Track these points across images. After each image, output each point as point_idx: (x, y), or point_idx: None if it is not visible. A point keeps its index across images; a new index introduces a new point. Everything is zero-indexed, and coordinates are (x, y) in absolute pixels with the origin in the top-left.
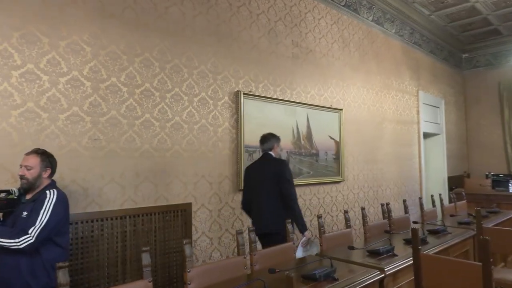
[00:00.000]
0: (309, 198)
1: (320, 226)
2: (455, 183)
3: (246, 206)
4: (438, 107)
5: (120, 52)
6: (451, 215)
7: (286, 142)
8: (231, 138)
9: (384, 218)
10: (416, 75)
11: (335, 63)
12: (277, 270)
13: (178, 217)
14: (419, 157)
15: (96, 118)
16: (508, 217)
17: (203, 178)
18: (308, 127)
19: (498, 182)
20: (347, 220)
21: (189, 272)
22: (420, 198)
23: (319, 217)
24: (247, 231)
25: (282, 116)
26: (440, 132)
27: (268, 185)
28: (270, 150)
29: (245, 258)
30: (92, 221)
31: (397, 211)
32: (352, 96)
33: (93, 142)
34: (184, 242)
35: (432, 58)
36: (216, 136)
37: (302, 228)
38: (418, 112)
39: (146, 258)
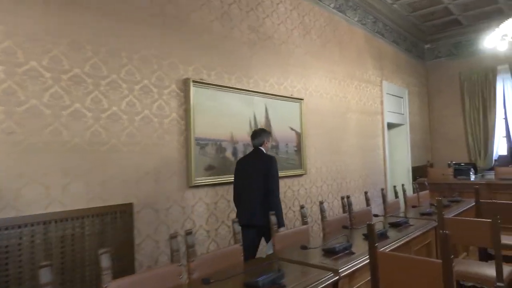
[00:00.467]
0: None
1: (273, 224)
2: (419, 173)
3: (237, 199)
4: (402, 98)
5: (43, 33)
6: (413, 206)
7: (242, 134)
8: (179, 130)
9: (344, 212)
10: (379, 65)
11: (296, 51)
12: (211, 281)
13: (117, 219)
14: (384, 148)
15: (10, 108)
16: (469, 206)
17: (147, 175)
18: (267, 117)
19: (459, 171)
20: (303, 216)
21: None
22: (383, 190)
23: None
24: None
25: (238, 106)
26: (404, 123)
27: (257, 180)
28: (261, 145)
29: (180, 266)
30: (7, 229)
31: (361, 204)
32: (314, 86)
33: (7, 136)
34: (100, 252)
35: (395, 48)
36: (162, 128)
37: (282, 224)
38: (382, 102)
39: (45, 276)
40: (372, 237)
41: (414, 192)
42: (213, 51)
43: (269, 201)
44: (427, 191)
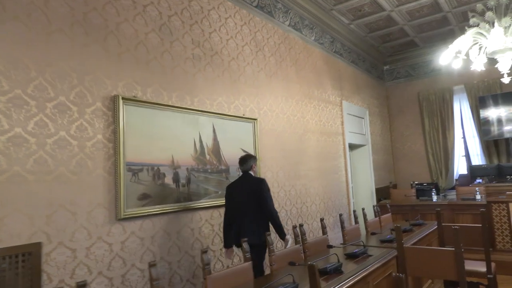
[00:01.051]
0: (218, 222)
1: (205, 264)
2: (383, 194)
3: (228, 222)
4: (363, 118)
5: None
6: (372, 233)
7: (186, 157)
8: (106, 154)
9: (297, 243)
10: (339, 85)
11: (248, 68)
12: None
13: (19, 264)
14: (346, 169)
15: None
16: (431, 230)
17: (61, 207)
18: (215, 139)
19: (422, 191)
20: (244, 251)
21: None
22: (341, 215)
23: (204, 251)
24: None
25: (180, 127)
26: (366, 143)
27: (250, 202)
28: (249, 170)
29: None
30: None
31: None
32: (268, 105)
33: None
34: None
35: (355, 69)
36: (83, 152)
37: (283, 235)
38: (342, 122)
39: None
40: (314, 281)
41: (376, 215)
42: (150, 66)
43: (269, 219)
44: (389, 214)
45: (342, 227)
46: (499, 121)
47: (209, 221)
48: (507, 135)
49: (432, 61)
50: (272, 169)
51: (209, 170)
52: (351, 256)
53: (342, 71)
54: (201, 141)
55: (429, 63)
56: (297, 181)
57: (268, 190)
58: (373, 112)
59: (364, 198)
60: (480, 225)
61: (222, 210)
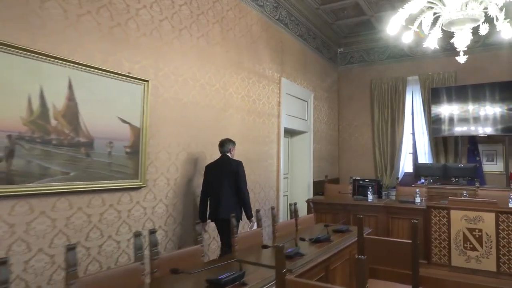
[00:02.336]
0: (65, 216)
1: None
2: (322, 189)
3: (204, 198)
4: (306, 101)
5: None
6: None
7: (8, 120)
8: None
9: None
10: (279, 59)
11: (143, 12)
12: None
13: None
14: (278, 157)
15: None
16: (347, 244)
17: None
18: (71, 99)
19: (360, 188)
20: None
21: None
22: (273, 209)
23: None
24: None
25: (4, 75)
26: (307, 130)
27: (226, 181)
28: (228, 152)
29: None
30: None
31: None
32: (173, 67)
33: None
34: None
35: (303, 44)
36: None
37: (250, 215)
38: (279, 103)
39: None
40: None
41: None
42: None
43: (241, 199)
44: (311, 215)
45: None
46: (451, 120)
47: (47, 214)
48: (457, 134)
49: (389, 47)
50: (170, 149)
51: (54, 142)
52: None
53: (286, 44)
54: (42, 99)
55: (385, 49)
56: None
57: (244, 172)
58: (319, 96)
59: (301, 192)
60: (410, 241)
61: (78, 199)
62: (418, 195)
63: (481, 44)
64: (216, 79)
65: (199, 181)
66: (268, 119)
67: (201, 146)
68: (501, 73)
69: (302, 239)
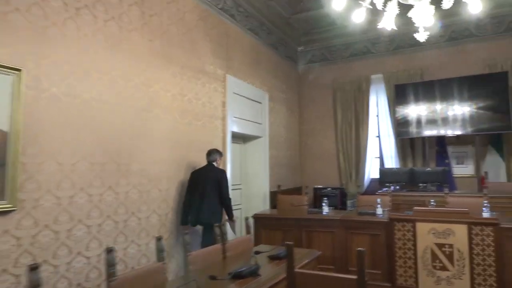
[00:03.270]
0: None
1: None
2: None
3: (188, 203)
4: (260, 103)
5: None
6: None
7: None
8: None
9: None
10: (224, 54)
11: None
12: None
13: None
14: (224, 166)
15: None
16: (283, 277)
17: None
18: None
19: (324, 198)
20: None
21: None
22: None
23: None
24: None
25: None
26: (262, 135)
27: (209, 187)
28: (214, 161)
29: None
30: None
31: (151, 255)
32: (66, 54)
33: None
34: None
35: (254, 40)
36: None
37: (231, 216)
38: (224, 103)
39: None
40: None
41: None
42: None
43: (224, 203)
44: (247, 237)
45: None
46: (418, 120)
47: None
48: (424, 135)
49: (351, 44)
50: (62, 159)
51: None
52: None
53: (233, 38)
54: None
55: (348, 46)
56: (123, 180)
57: (227, 180)
58: (276, 98)
59: (256, 204)
60: (355, 277)
61: None
62: (379, 206)
63: (448, 38)
64: (135, 73)
65: (109, 198)
66: (210, 122)
67: (113, 154)
68: (469, 69)
69: (213, 278)
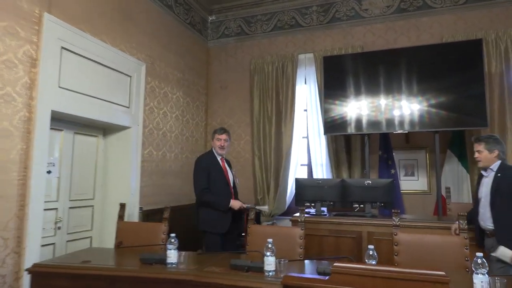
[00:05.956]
0: None
1: None
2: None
3: None
4: (130, 76)
5: None
6: None
7: None
8: None
9: None
10: None
11: None
12: None
13: None
14: (27, 168)
15: None
16: None
17: None
18: None
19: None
20: None
21: None
22: None
23: None
24: None
25: None
26: (131, 125)
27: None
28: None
29: None
30: None
31: None
32: None
33: None
34: None
35: None
36: None
37: (223, 207)
38: (35, 61)
39: None
40: None
41: None
42: None
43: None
44: None
45: None
46: (358, 121)
47: None
48: (363, 132)
49: (275, 14)
50: None
51: None
52: None
53: None
54: None
55: (271, 17)
56: None
57: (199, 169)
58: (164, 75)
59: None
60: None
61: None
62: (271, 252)
63: (396, 10)
64: None
65: None
66: None
67: None
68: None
69: None
